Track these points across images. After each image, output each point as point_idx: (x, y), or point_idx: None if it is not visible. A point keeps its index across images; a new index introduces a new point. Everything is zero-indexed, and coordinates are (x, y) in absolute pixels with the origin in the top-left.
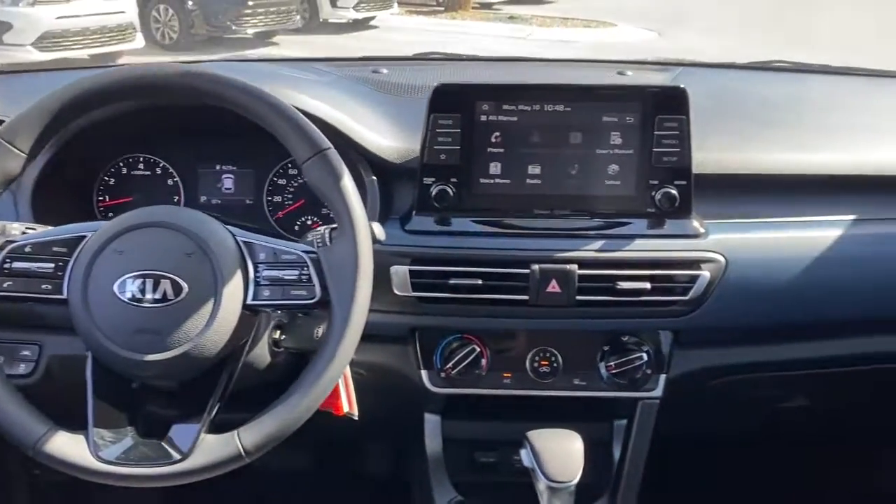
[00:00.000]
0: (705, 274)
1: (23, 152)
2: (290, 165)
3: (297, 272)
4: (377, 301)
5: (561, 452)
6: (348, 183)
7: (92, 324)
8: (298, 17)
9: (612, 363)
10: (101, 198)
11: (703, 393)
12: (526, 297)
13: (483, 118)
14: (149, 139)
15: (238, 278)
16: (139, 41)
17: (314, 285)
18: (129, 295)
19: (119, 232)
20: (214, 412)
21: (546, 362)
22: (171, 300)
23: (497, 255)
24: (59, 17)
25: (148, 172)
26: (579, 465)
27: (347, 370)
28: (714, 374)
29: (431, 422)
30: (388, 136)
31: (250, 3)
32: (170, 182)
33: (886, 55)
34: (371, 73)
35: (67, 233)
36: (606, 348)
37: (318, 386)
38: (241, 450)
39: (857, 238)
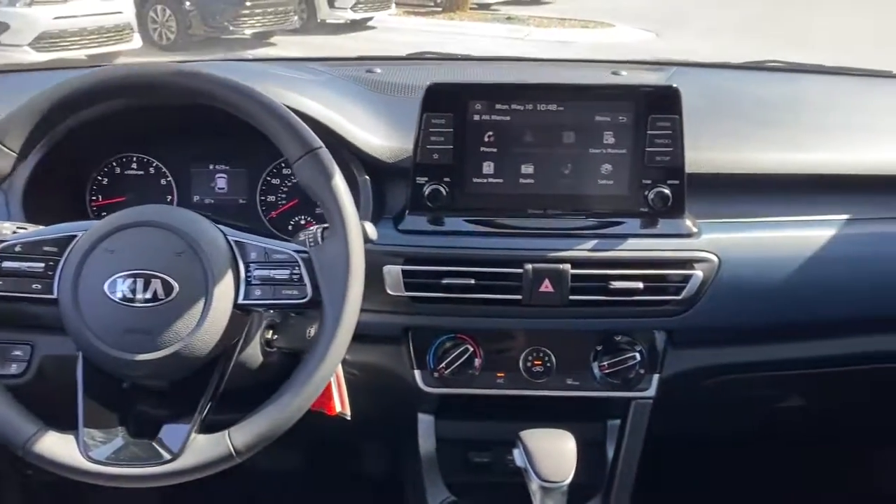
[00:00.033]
0: (698, 273)
1: (13, 151)
2: (283, 165)
3: (288, 272)
4: (370, 301)
5: (553, 452)
6: (339, 182)
7: (82, 323)
8: (296, 17)
9: (605, 363)
10: (94, 197)
11: (697, 393)
12: (519, 297)
13: (476, 117)
14: (142, 139)
15: (229, 278)
16: (136, 42)
17: (305, 285)
18: (119, 294)
19: (110, 231)
20: (205, 412)
21: (539, 362)
22: (161, 300)
23: (490, 254)
24: (56, 18)
25: (141, 172)
26: (572, 465)
27: (340, 370)
28: (707, 374)
29: (425, 422)
30: (381, 136)
31: (248, 4)
32: (163, 181)
33: (885, 59)
34: (365, 73)
35: (58, 232)
36: (599, 348)
37: (310, 386)
38: (232, 450)
39: (851, 237)
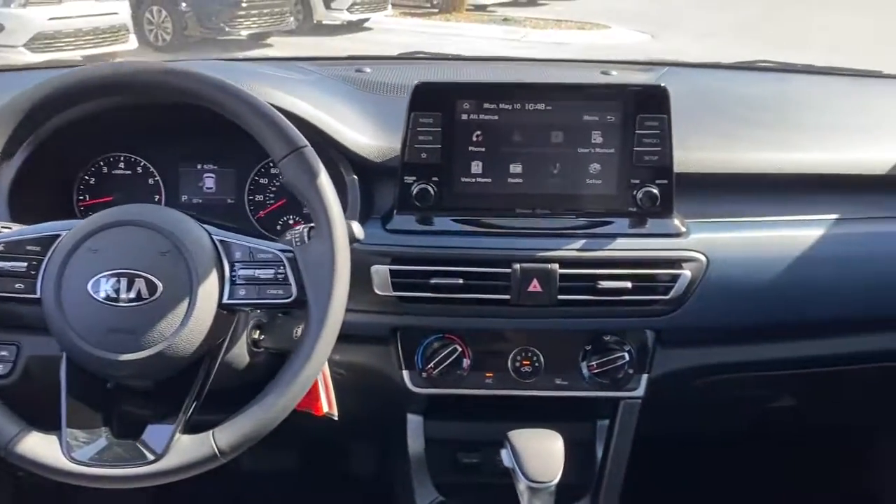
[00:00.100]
0: (686, 273)
1: None
2: (271, 164)
3: (272, 271)
4: (358, 301)
5: (541, 452)
6: (325, 181)
7: (65, 323)
8: (292, 18)
9: (593, 363)
10: (81, 197)
11: (686, 393)
12: (507, 297)
13: (464, 117)
14: (129, 138)
15: (213, 277)
16: (132, 43)
17: (290, 284)
18: (102, 294)
19: (93, 230)
20: (190, 412)
21: (528, 362)
22: (145, 299)
23: (478, 254)
24: (51, 19)
25: (128, 172)
26: (559, 466)
27: (327, 370)
28: (696, 374)
29: (414, 422)
30: (369, 135)
31: (244, 5)
32: (150, 181)
33: (884, 61)
34: (354, 73)
35: (41, 231)
36: (588, 348)
37: (295, 386)
38: (216, 450)
39: (840, 237)
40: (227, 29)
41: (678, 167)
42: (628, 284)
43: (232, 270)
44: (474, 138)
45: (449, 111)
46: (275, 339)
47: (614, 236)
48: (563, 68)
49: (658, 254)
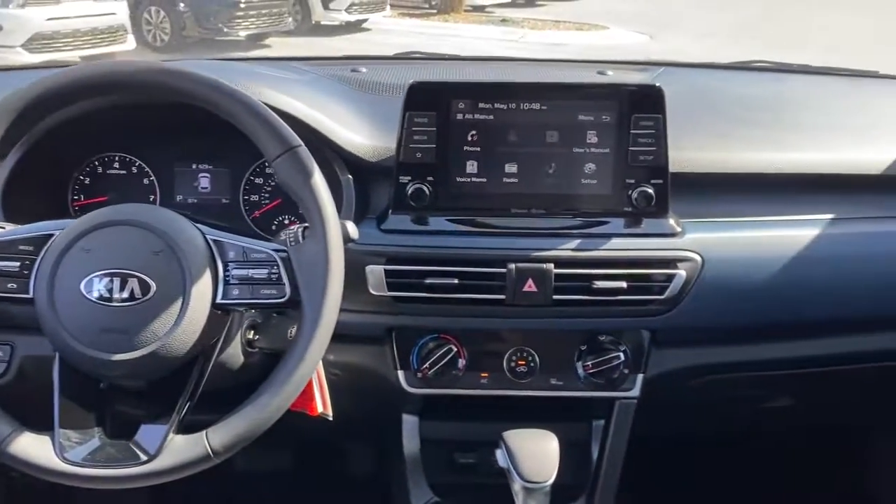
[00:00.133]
0: (681, 273)
1: None
2: (266, 164)
3: (266, 271)
4: (353, 301)
5: (536, 453)
6: (319, 180)
7: (58, 323)
8: (290, 19)
9: (589, 363)
10: (75, 197)
11: (681, 393)
12: (503, 297)
13: (459, 116)
14: (124, 138)
15: (207, 277)
16: (130, 43)
17: (284, 284)
18: (96, 294)
19: (86, 230)
20: (184, 413)
21: (523, 362)
22: (138, 299)
23: (473, 254)
24: (49, 19)
25: (123, 171)
26: (554, 466)
27: (321, 371)
28: (692, 374)
29: (409, 422)
30: (364, 135)
31: (242, 6)
32: (146, 181)
33: (883, 62)
34: (350, 73)
35: (34, 231)
36: (583, 348)
37: (288, 386)
38: (210, 450)
39: (835, 237)
40: (225, 29)
41: (673, 167)
42: (623, 284)
43: (225, 270)
44: (469, 138)
45: (444, 111)
46: (269, 339)
47: (609, 236)
48: (559, 68)
49: (653, 254)
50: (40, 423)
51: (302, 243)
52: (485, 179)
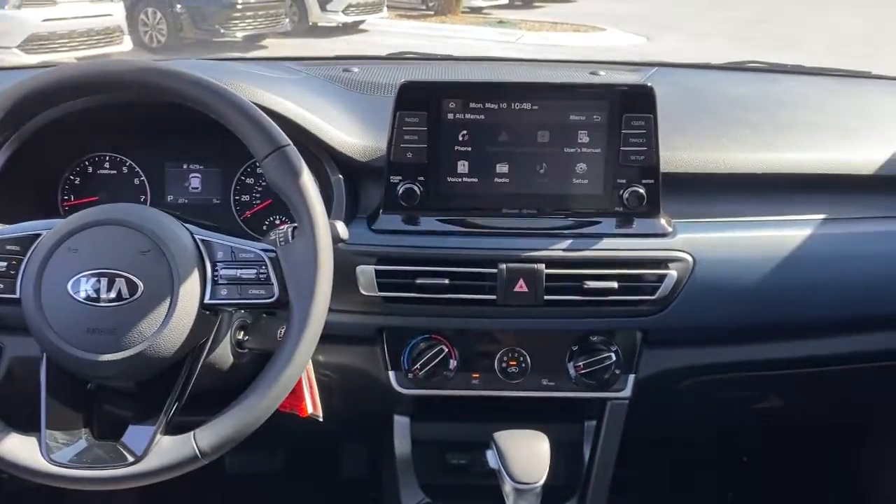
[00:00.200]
0: (673, 273)
1: None
2: (257, 164)
3: (255, 271)
4: (343, 301)
5: (527, 453)
6: (308, 180)
7: (45, 323)
8: (287, 20)
9: (580, 363)
10: (65, 197)
11: (673, 393)
12: (494, 297)
13: (450, 116)
14: (115, 138)
15: (195, 277)
16: (127, 44)
17: (272, 284)
18: (83, 294)
19: (73, 230)
20: (172, 413)
21: (514, 362)
22: (126, 299)
23: (464, 254)
24: (45, 20)
25: (114, 171)
26: (545, 467)
27: (311, 371)
28: (684, 375)
29: (400, 423)
30: (355, 135)
31: (239, 7)
32: (136, 181)
33: (880, 63)
34: (342, 73)
35: (21, 231)
36: (575, 348)
37: (276, 386)
38: (197, 451)
39: (827, 237)
40: (222, 31)
41: (665, 167)
42: (615, 284)
43: (214, 270)
44: (460, 138)
45: (435, 110)
46: (259, 339)
47: (601, 236)
48: (552, 68)
49: (644, 254)
50: (27, 424)
51: (291, 243)
52: (476, 179)
